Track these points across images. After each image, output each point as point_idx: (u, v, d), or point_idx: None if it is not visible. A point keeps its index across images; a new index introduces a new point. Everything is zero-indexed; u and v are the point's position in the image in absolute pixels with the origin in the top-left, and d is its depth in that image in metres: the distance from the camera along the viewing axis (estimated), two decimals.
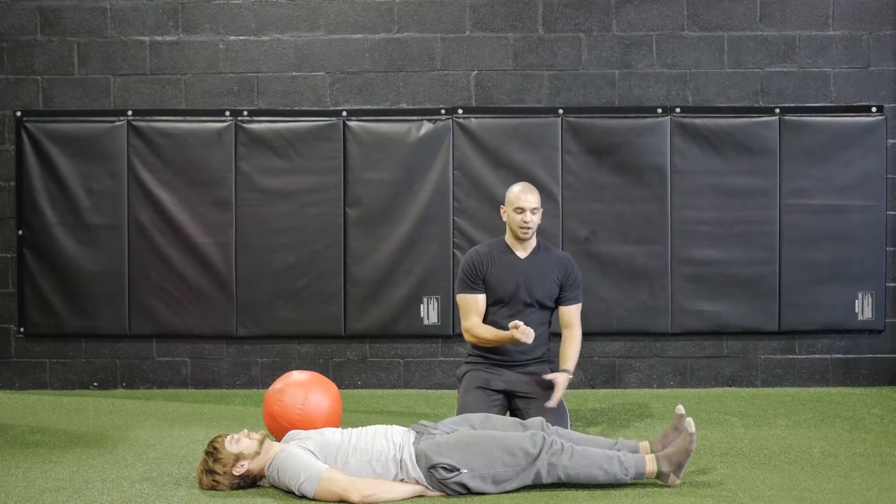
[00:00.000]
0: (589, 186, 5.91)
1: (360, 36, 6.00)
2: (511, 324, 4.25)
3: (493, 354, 4.51)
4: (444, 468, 3.57)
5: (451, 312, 5.87)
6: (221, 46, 6.01)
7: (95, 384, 6.03)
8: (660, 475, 3.69)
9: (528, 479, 3.61)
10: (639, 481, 3.72)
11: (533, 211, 4.44)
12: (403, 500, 3.56)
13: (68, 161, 5.94)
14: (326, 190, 5.94)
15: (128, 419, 5.14)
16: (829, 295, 5.90)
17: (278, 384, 4.44)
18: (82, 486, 3.79)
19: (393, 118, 5.96)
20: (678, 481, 3.71)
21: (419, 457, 3.61)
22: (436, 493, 3.61)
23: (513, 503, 3.54)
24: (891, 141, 5.94)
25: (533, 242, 4.57)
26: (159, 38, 6.01)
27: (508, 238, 4.57)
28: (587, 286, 5.77)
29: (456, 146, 5.93)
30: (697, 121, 5.91)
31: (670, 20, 5.96)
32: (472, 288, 4.53)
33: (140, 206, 5.94)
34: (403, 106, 5.99)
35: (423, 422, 3.81)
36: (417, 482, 3.61)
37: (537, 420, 3.87)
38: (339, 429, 3.86)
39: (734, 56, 5.96)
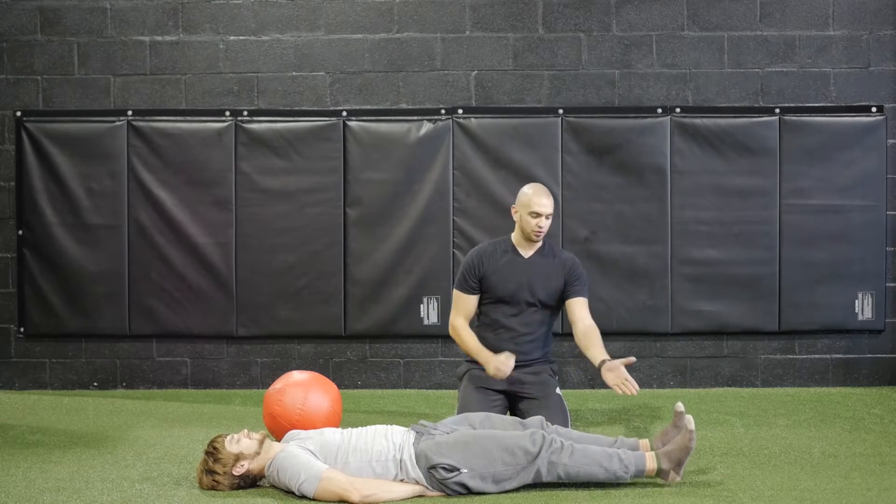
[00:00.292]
0: (589, 186, 5.91)
1: (360, 36, 6.00)
2: (492, 370, 4.27)
3: (494, 353, 4.50)
4: (444, 468, 3.57)
5: (450, 310, 5.85)
6: (221, 46, 6.01)
7: (95, 384, 6.04)
8: (660, 472, 3.70)
9: (528, 477, 3.61)
10: (639, 480, 3.73)
11: (548, 216, 4.43)
12: (403, 500, 3.56)
13: (68, 161, 5.94)
14: (326, 190, 5.94)
15: (128, 419, 5.14)
16: (829, 295, 5.90)
17: (278, 384, 4.44)
18: (82, 486, 3.79)
19: (393, 118, 5.96)
20: (678, 479, 3.71)
21: (419, 457, 3.61)
22: (436, 494, 3.61)
23: (513, 503, 3.54)
24: (891, 141, 5.94)
25: (539, 243, 4.56)
26: (159, 38, 6.01)
27: (515, 237, 4.56)
28: (591, 288, 5.78)
29: (456, 146, 5.93)
30: (697, 121, 5.91)
31: (670, 20, 5.96)
32: (466, 287, 4.55)
33: (140, 206, 5.94)
34: (403, 106, 5.99)
35: (422, 422, 3.81)
36: (417, 482, 3.61)
37: (537, 419, 3.87)
38: (339, 429, 3.86)
39: (734, 56, 5.96)
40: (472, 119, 5.94)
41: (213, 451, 3.66)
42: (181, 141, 5.95)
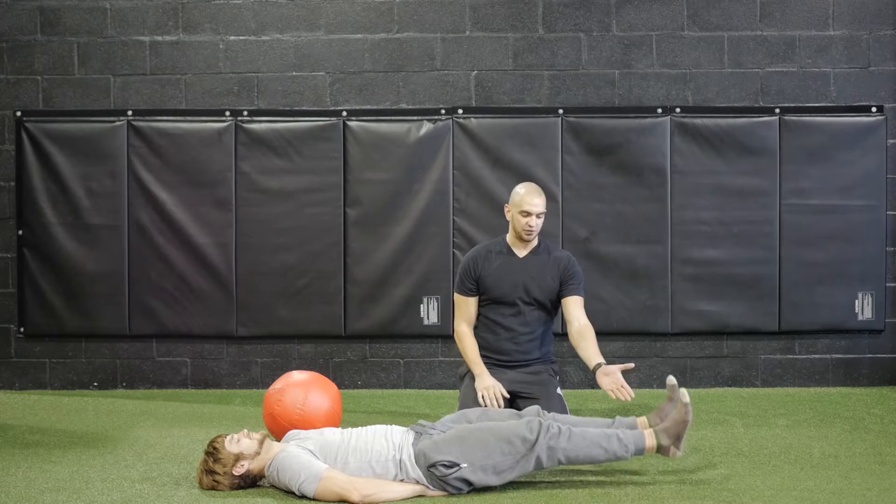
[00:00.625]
0: (589, 186, 5.91)
1: (360, 36, 6.00)
2: (480, 391, 4.30)
3: (494, 354, 4.51)
4: (443, 465, 3.57)
5: (451, 312, 5.86)
6: (221, 46, 6.01)
7: (95, 384, 6.03)
8: (660, 449, 3.69)
9: (528, 466, 3.61)
10: (639, 479, 3.72)
11: (539, 215, 4.44)
12: (403, 499, 3.56)
13: (68, 161, 5.94)
14: (326, 190, 5.94)
15: (128, 419, 5.14)
16: (829, 295, 5.90)
17: (278, 384, 4.44)
18: (82, 486, 3.79)
19: (393, 118, 5.96)
20: (679, 453, 3.70)
21: (418, 457, 3.61)
22: (437, 493, 3.61)
23: (513, 503, 3.54)
24: (891, 141, 5.94)
25: (534, 242, 4.57)
26: (159, 38, 6.01)
27: (510, 237, 4.58)
28: (587, 286, 5.77)
29: (456, 146, 5.93)
30: (697, 121, 5.91)
31: (670, 20, 5.96)
32: (464, 290, 4.57)
33: (140, 206, 5.94)
34: (403, 106, 5.99)
35: (421, 422, 3.81)
36: (418, 482, 3.61)
37: (533, 408, 3.86)
38: (339, 429, 3.86)
39: (734, 56, 5.96)
40: (472, 119, 5.94)
41: (213, 452, 3.66)
42: (181, 141, 5.95)
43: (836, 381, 5.98)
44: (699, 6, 5.96)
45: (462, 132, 5.93)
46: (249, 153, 5.95)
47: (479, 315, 4.60)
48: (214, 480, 3.65)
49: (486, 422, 3.76)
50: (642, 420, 3.86)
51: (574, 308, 4.48)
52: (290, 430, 4.02)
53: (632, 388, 5.97)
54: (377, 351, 6.03)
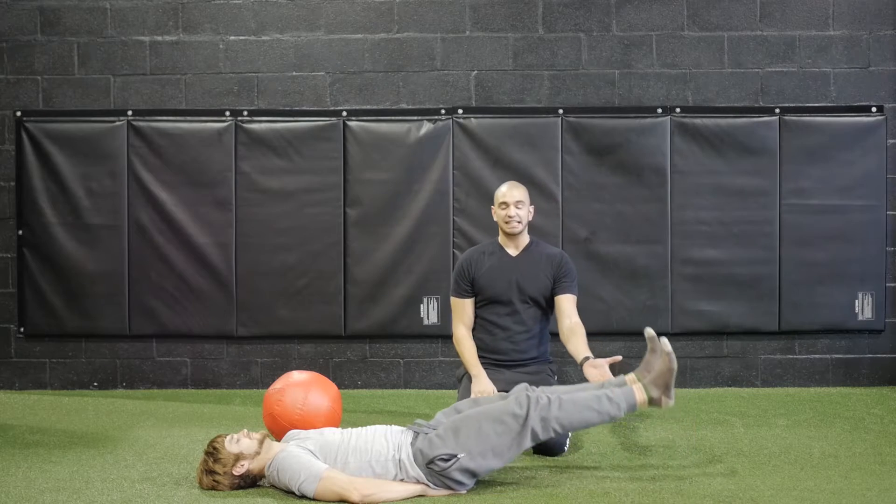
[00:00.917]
0: (589, 186, 5.91)
1: (360, 36, 6.00)
2: (476, 392, 4.31)
3: (492, 354, 4.51)
4: (441, 459, 3.56)
5: (451, 313, 5.85)
6: (221, 46, 6.01)
7: (95, 384, 6.04)
8: (651, 401, 3.70)
9: (526, 441, 3.61)
10: (639, 475, 3.72)
11: (517, 205, 4.49)
12: (404, 499, 3.56)
13: (68, 161, 5.95)
14: (326, 190, 5.94)
15: (128, 419, 5.14)
16: (829, 295, 5.90)
17: (278, 384, 4.44)
18: (82, 486, 3.79)
19: (393, 118, 5.96)
20: (671, 402, 3.71)
21: (416, 455, 3.61)
22: (438, 493, 3.60)
23: (514, 502, 3.54)
24: (891, 141, 5.94)
25: (525, 240, 4.60)
26: (159, 38, 6.01)
27: (501, 238, 4.63)
28: (587, 286, 5.79)
29: (456, 146, 5.93)
30: (697, 121, 5.91)
31: (670, 20, 5.96)
32: (459, 291, 4.61)
33: (140, 206, 5.94)
34: (403, 106, 5.99)
35: (418, 421, 3.80)
36: (418, 481, 3.61)
37: (521, 385, 3.85)
38: (339, 429, 3.86)
39: (734, 56, 5.96)
40: (472, 119, 5.94)
41: (212, 452, 3.66)
42: (181, 141, 5.95)
43: (836, 381, 5.98)
44: (699, 6, 5.96)
45: (462, 132, 5.93)
46: (249, 153, 5.95)
47: (475, 317, 4.61)
48: (214, 480, 3.65)
49: (475, 409, 3.76)
50: (630, 377, 3.83)
51: (566, 305, 4.49)
52: (290, 430, 4.02)
53: None
54: (377, 351, 6.03)
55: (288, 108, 6.01)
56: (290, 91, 6.01)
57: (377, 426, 3.80)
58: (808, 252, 5.90)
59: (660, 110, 5.93)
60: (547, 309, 4.58)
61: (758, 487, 3.69)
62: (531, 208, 4.61)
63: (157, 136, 5.95)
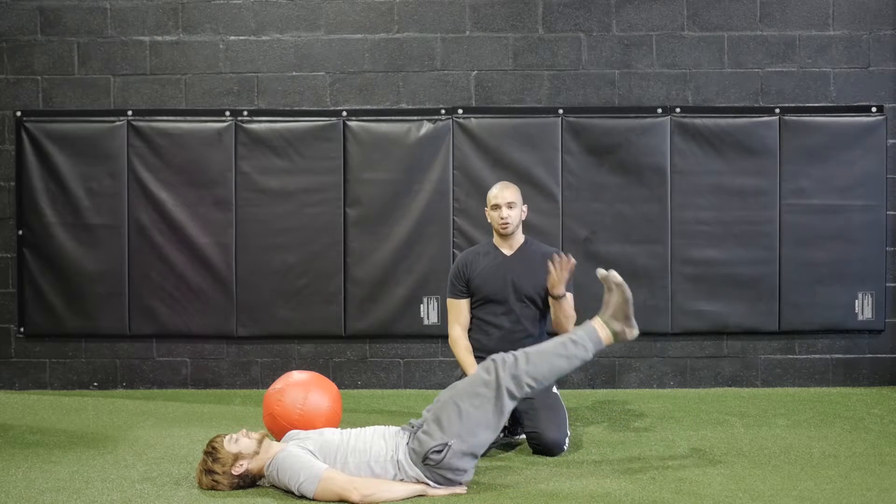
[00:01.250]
0: (589, 186, 5.91)
1: (360, 36, 6.00)
2: None
3: (487, 355, 4.48)
4: (434, 452, 3.57)
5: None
6: (221, 46, 6.01)
7: (95, 384, 6.03)
8: (616, 336, 3.75)
9: (505, 403, 3.62)
10: (642, 471, 3.72)
11: (509, 206, 4.52)
12: (403, 499, 3.56)
13: (68, 161, 5.95)
14: (326, 190, 5.94)
15: (128, 419, 5.14)
16: (829, 295, 5.90)
17: (278, 384, 4.44)
18: (82, 486, 3.79)
19: (393, 118, 5.96)
20: (635, 331, 3.75)
21: (411, 455, 3.62)
22: (438, 492, 3.60)
23: (513, 503, 3.54)
24: (891, 141, 5.94)
25: (520, 239, 4.61)
26: (159, 38, 6.01)
27: (495, 238, 4.66)
28: (587, 286, 5.77)
29: (456, 146, 5.93)
30: (697, 121, 5.91)
31: (670, 20, 5.96)
32: (455, 292, 4.63)
33: (140, 206, 5.94)
34: (403, 106, 5.99)
35: (412, 421, 3.80)
36: (419, 481, 3.61)
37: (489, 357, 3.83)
38: (339, 429, 3.86)
39: (734, 56, 5.96)
40: (472, 119, 5.94)
41: (211, 451, 3.67)
42: (181, 141, 5.95)
43: (836, 381, 5.98)
44: (699, 6, 5.96)
45: (462, 132, 5.93)
46: (249, 153, 5.95)
47: (472, 317, 4.62)
48: (214, 480, 3.65)
49: (449, 392, 3.75)
50: (595, 320, 3.84)
51: (564, 305, 4.52)
52: (290, 430, 4.02)
53: (632, 388, 6.03)
54: (377, 351, 6.03)
55: (288, 108, 6.01)
56: (290, 91, 6.01)
57: (375, 427, 3.80)
58: (808, 252, 5.90)
59: (660, 110, 5.93)
60: (543, 308, 4.58)
61: (758, 487, 3.69)
62: (524, 208, 4.63)
63: (157, 136, 5.95)
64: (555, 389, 4.51)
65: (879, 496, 3.57)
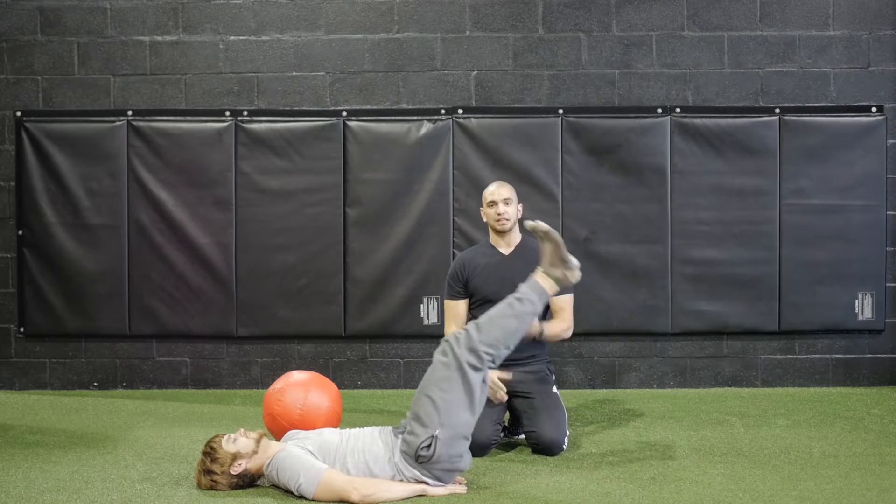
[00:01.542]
0: (589, 186, 5.91)
1: (360, 36, 6.00)
2: (493, 378, 4.29)
3: None
4: (423, 449, 3.57)
5: None
6: (221, 46, 6.01)
7: (95, 384, 6.04)
8: (559, 282, 3.75)
9: (471, 378, 3.61)
10: (642, 471, 3.72)
11: (505, 202, 4.52)
12: (403, 499, 3.56)
13: (68, 161, 5.95)
14: (326, 190, 5.94)
15: (128, 419, 5.15)
16: (829, 295, 5.90)
17: (278, 384, 4.44)
18: (82, 486, 3.79)
19: (393, 118, 5.96)
20: (576, 272, 3.75)
21: (405, 458, 3.62)
22: (438, 491, 3.60)
23: (513, 503, 3.54)
24: (891, 141, 5.94)
25: (517, 238, 4.61)
26: (159, 38, 6.01)
27: (492, 237, 4.65)
28: (587, 286, 5.78)
29: (456, 146, 5.93)
30: (697, 121, 5.91)
31: (670, 20, 5.96)
32: (452, 293, 4.61)
33: (140, 206, 5.94)
34: (403, 106, 5.99)
35: (403, 421, 3.80)
36: (418, 480, 3.61)
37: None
38: (338, 430, 3.87)
39: (734, 56, 5.96)
40: (472, 119, 5.94)
41: (210, 451, 3.67)
42: (181, 141, 5.95)
43: (836, 381, 5.98)
44: (699, 6, 5.96)
45: (462, 132, 5.93)
46: (249, 153, 5.95)
47: (470, 318, 4.61)
48: (212, 480, 3.65)
49: (419, 387, 3.75)
50: (536, 274, 3.82)
51: (559, 304, 4.53)
52: (290, 430, 4.02)
53: (632, 388, 6.03)
54: (377, 351, 6.03)
55: (288, 108, 6.01)
56: (290, 91, 6.01)
57: (374, 427, 3.80)
58: (808, 252, 5.90)
59: (660, 110, 5.93)
60: (544, 309, 4.58)
61: (758, 487, 3.69)
62: (520, 206, 4.63)
63: (157, 136, 5.95)
64: (555, 389, 4.51)
65: (879, 496, 3.57)
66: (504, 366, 4.46)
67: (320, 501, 3.51)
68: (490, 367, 3.72)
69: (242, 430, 3.73)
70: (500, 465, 4.10)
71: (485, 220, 4.63)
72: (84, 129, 5.96)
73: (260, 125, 5.96)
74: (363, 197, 5.95)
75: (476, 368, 3.64)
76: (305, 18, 6.00)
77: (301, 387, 4.38)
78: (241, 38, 6.01)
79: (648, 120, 5.92)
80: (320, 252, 5.95)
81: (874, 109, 5.91)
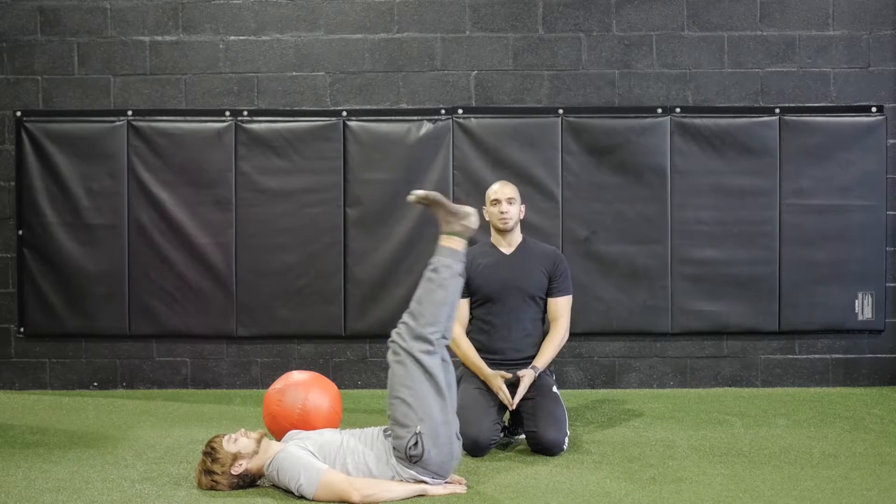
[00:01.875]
0: (589, 186, 5.91)
1: (360, 36, 6.00)
2: (498, 384, 4.34)
3: (489, 355, 4.51)
4: (411, 448, 3.57)
5: None
6: (221, 46, 6.01)
7: (95, 384, 6.03)
8: (461, 234, 3.75)
9: (429, 366, 3.62)
10: (642, 471, 3.72)
11: (509, 201, 4.54)
12: (403, 499, 3.56)
13: (68, 161, 5.94)
14: (326, 190, 5.94)
15: (128, 419, 5.15)
16: (829, 295, 5.90)
17: (278, 384, 4.44)
18: (82, 486, 3.79)
19: (393, 118, 5.96)
20: (471, 216, 3.76)
21: (400, 461, 3.62)
22: (438, 491, 3.60)
23: (513, 502, 3.54)
24: (891, 141, 5.94)
25: (518, 238, 4.61)
26: (159, 38, 6.01)
27: (493, 237, 4.66)
28: (587, 286, 5.80)
29: (456, 146, 5.93)
30: (697, 121, 5.91)
31: (670, 20, 5.96)
32: None
33: (140, 206, 5.94)
34: (403, 106, 5.99)
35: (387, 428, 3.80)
36: (417, 480, 3.61)
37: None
38: (338, 430, 3.87)
39: (734, 56, 5.96)
40: (472, 119, 5.93)
41: (210, 451, 3.67)
42: (181, 141, 5.95)
43: (836, 381, 5.98)
44: (699, 6, 5.96)
45: (462, 132, 5.93)
46: (249, 153, 5.95)
47: (471, 317, 4.62)
48: (213, 480, 3.65)
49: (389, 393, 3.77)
50: (439, 239, 3.81)
51: (558, 308, 4.56)
52: (290, 430, 4.02)
53: (632, 388, 6.03)
54: (377, 351, 6.02)
55: (288, 108, 6.01)
56: (290, 91, 6.01)
57: (373, 428, 3.80)
58: (808, 252, 5.90)
59: (660, 110, 5.93)
60: (543, 307, 4.59)
61: (758, 487, 3.69)
62: (522, 206, 4.64)
63: (157, 136, 5.95)
64: (555, 389, 4.51)
65: (879, 496, 3.57)
66: (505, 366, 4.48)
67: (320, 501, 3.51)
68: (443, 343, 3.71)
69: (243, 430, 3.73)
70: (500, 465, 4.10)
71: (487, 218, 4.63)
72: (84, 129, 5.96)
73: (260, 125, 5.96)
74: (363, 197, 5.95)
75: (430, 353, 3.64)
76: (305, 18, 6.00)
77: (301, 387, 4.38)
78: (241, 38, 6.01)
79: (648, 120, 5.92)
80: (320, 252, 5.95)
81: (874, 109, 5.91)
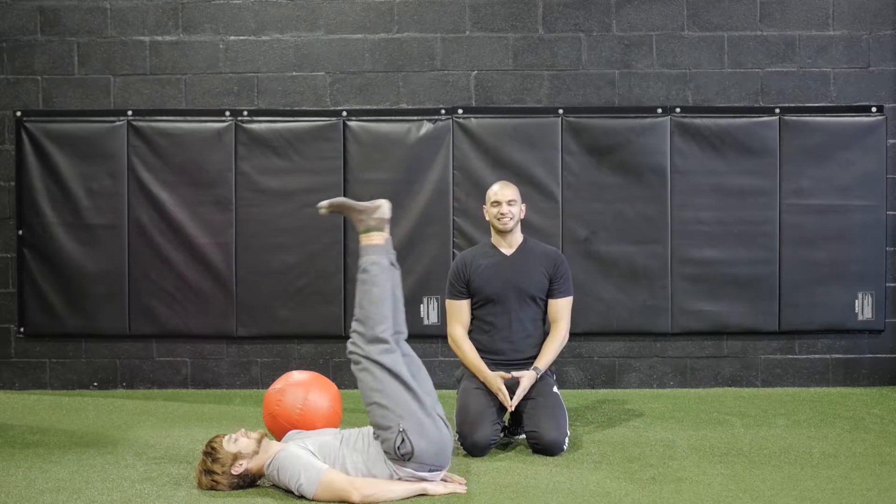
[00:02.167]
0: (589, 186, 5.91)
1: (360, 36, 6.00)
2: (498, 386, 4.36)
3: (489, 355, 4.51)
4: (400, 447, 3.58)
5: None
6: (221, 46, 6.01)
7: (95, 384, 6.03)
8: (377, 228, 3.80)
9: (390, 365, 3.67)
10: (642, 471, 3.72)
11: (509, 202, 4.54)
12: (403, 499, 3.56)
13: (68, 161, 5.95)
14: (326, 190, 5.93)
15: (128, 419, 5.15)
16: (829, 295, 5.90)
17: (278, 384, 4.44)
18: (82, 486, 3.79)
19: (393, 118, 5.96)
20: (383, 208, 3.80)
21: (395, 462, 3.62)
22: (438, 490, 3.60)
23: (513, 502, 3.54)
24: (891, 141, 5.94)
25: (518, 239, 4.61)
26: (159, 38, 6.01)
27: (494, 238, 4.65)
28: (587, 286, 5.80)
29: (456, 146, 5.93)
30: (697, 121, 5.91)
31: (670, 20, 5.96)
32: (454, 293, 4.62)
33: (140, 206, 5.94)
34: (403, 106, 5.99)
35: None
36: (416, 479, 3.61)
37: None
38: (338, 430, 3.87)
39: (734, 56, 5.96)
40: (472, 119, 5.94)
41: (210, 451, 3.67)
42: (181, 141, 5.95)
43: (836, 381, 5.98)
44: (699, 6, 5.96)
45: (462, 132, 5.93)
46: (249, 153, 5.95)
47: (472, 319, 4.61)
48: (213, 480, 3.65)
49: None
50: (360, 240, 3.86)
51: (558, 310, 4.56)
52: (290, 430, 4.03)
53: (632, 388, 6.02)
54: None
55: (288, 108, 6.01)
56: (290, 91, 6.01)
57: (372, 428, 3.80)
58: (808, 252, 5.90)
59: (660, 110, 5.93)
60: (543, 307, 4.59)
61: (758, 487, 3.69)
62: (523, 207, 4.64)
63: (157, 136, 5.95)
64: (555, 389, 4.51)
65: (879, 496, 3.57)
66: (506, 366, 4.48)
67: (320, 501, 3.51)
68: (400, 338, 3.77)
69: (243, 430, 3.73)
70: (500, 465, 4.10)
71: (487, 218, 4.64)
72: (84, 129, 5.96)
73: (260, 125, 5.96)
74: (363, 197, 5.88)
75: (388, 351, 3.69)
76: (305, 18, 6.00)
77: (301, 387, 4.38)
78: (241, 38, 6.01)
79: (648, 120, 5.92)
80: (320, 252, 5.95)
81: (874, 109, 5.91)
